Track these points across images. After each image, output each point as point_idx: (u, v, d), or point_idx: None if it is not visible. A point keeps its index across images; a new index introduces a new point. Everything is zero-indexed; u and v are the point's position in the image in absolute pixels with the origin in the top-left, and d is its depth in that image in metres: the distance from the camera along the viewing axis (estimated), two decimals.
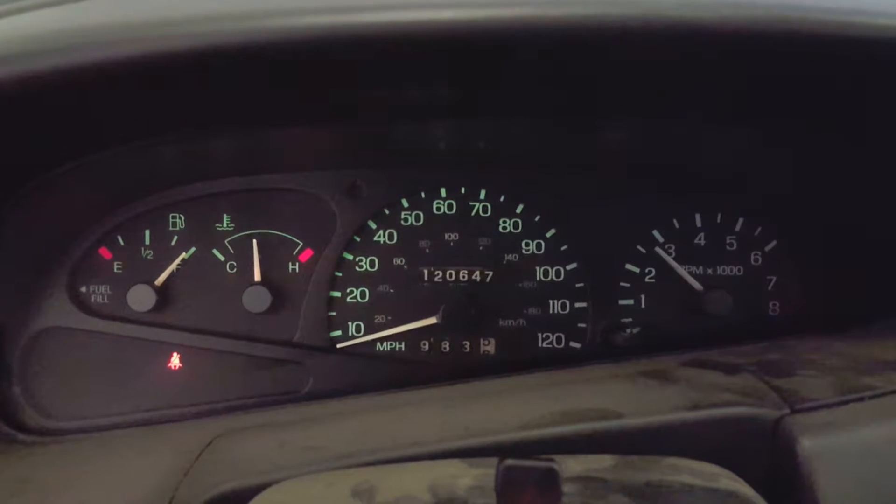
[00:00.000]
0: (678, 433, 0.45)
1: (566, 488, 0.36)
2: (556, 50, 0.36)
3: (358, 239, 0.62)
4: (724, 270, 0.63)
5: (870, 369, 0.50)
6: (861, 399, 0.46)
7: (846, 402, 0.46)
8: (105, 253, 0.60)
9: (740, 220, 0.63)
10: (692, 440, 0.45)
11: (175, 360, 0.59)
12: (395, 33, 0.34)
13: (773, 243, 0.64)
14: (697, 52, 0.38)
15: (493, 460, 0.37)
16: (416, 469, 0.41)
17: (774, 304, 0.63)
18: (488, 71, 0.39)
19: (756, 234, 0.64)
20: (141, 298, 0.59)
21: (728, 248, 0.64)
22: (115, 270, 0.60)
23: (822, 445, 0.43)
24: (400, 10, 0.37)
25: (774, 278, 0.64)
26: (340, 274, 0.62)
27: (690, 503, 0.37)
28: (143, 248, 0.60)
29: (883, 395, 0.46)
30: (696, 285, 0.62)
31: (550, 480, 0.33)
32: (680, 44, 0.36)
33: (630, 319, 0.62)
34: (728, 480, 0.40)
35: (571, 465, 0.39)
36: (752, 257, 0.64)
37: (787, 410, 0.45)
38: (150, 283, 0.59)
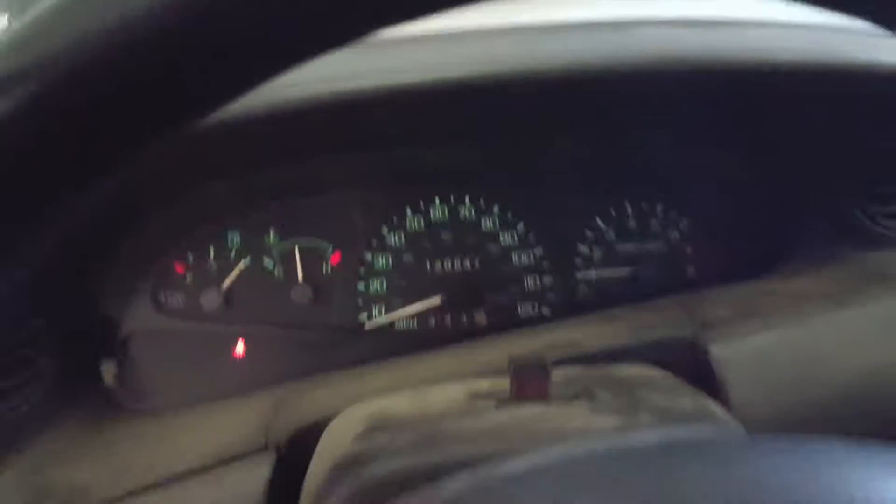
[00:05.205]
0: (623, 355, 0.58)
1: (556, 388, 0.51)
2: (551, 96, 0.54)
3: (375, 242, 0.77)
4: (650, 246, 0.80)
5: (768, 298, 0.64)
6: (759, 315, 0.60)
7: (748, 318, 0.60)
8: (179, 267, 0.75)
9: (659, 206, 0.80)
10: (633, 360, 0.58)
11: (240, 348, 0.74)
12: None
13: (685, 221, 0.81)
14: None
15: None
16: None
17: (692, 268, 0.80)
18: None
19: (672, 215, 0.80)
20: (210, 301, 0.74)
21: (653, 227, 0.80)
22: (188, 281, 0.74)
23: (727, 351, 0.57)
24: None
25: (690, 248, 0.81)
26: (363, 270, 0.77)
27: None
28: (208, 262, 0.75)
29: (777, 311, 0.61)
30: (631, 258, 0.80)
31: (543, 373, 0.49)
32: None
33: (586, 287, 0.79)
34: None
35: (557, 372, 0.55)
36: (672, 234, 0.80)
37: (700, 329, 0.60)
38: (217, 288, 0.74)
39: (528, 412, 0.46)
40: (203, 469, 0.54)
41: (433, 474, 0.40)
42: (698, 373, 0.57)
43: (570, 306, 0.77)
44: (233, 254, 0.76)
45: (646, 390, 0.51)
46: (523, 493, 0.28)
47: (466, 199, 0.79)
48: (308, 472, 0.48)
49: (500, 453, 0.39)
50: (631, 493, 0.25)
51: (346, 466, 0.44)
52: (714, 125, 0.72)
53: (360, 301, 0.77)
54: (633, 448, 0.33)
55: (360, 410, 0.51)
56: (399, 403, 0.52)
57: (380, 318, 0.77)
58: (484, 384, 0.54)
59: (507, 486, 0.29)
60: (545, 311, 0.79)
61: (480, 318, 0.79)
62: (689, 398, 0.50)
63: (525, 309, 0.79)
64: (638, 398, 0.49)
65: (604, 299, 0.76)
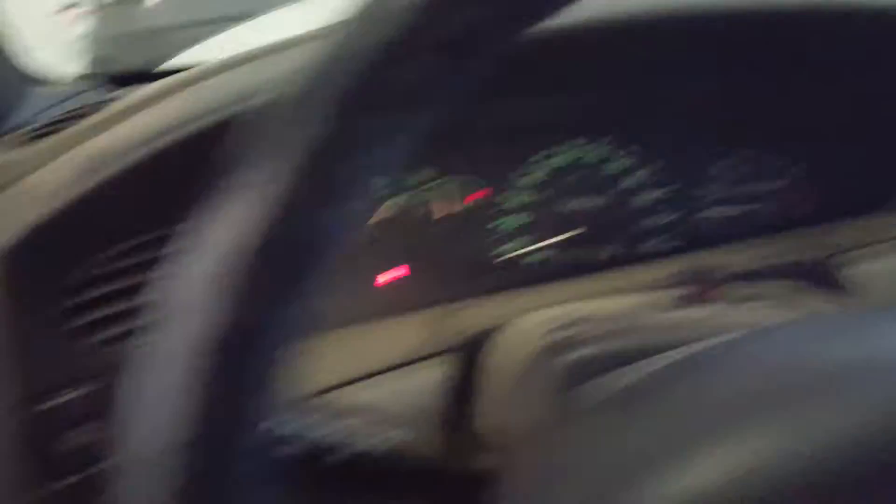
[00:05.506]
0: (757, 278, 0.62)
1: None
2: None
3: (513, 182, 0.83)
4: (769, 186, 0.85)
5: (888, 228, 0.70)
6: (884, 241, 0.67)
7: (873, 244, 0.67)
8: None
9: (777, 147, 0.85)
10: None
11: (389, 277, 0.80)
12: None
13: (803, 162, 0.85)
14: None
15: None
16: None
17: (810, 205, 0.85)
18: None
19: (790, 156, 0.85)
20: (359, 235, 0.82)
21: (763, 174, 0.86)
22: None
23: (857, 273, 0.64)
24: None
25: (808, 187, 0.85)
26: (501, 207, 0.83)
27: None
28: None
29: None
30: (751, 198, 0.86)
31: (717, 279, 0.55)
32: None
33: (708, 225, 0.85)
34: None
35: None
36: (790, 175, 0.85)
37: (828, 254, 0.68)
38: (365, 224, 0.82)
39: (705, 311, 0.52)
40: (377, 373, 0.59)
41: (636, 359, 0.46)
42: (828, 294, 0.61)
43: (694, 242, 0.82)
44: (387, 190, 0.82)
45: (800, 298, 0.57)
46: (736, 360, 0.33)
47: (595, 143, 0.84)
48: (489, 369, 0.55)
49: (695, 341, 0.45)
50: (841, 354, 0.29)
51: (546, 354, 0.50)
52: (821, 70, 0.77)
53: (495, 237, 0.83)
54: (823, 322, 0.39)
55: (536, 315, 0.56)
56: (573, 308, 0.58)
57: (515, 251, 0.83)
58: (648, 296, 0.59)
59: (715, 358, 0.32)
60: (671, 247, 0.84)
61: (609, 252, 0.84)
62: (841, 303, 0.55)
63: (651, 245, 0.85)
64: (796, 303, 0.55)
65: (727, 235, 0.81)
